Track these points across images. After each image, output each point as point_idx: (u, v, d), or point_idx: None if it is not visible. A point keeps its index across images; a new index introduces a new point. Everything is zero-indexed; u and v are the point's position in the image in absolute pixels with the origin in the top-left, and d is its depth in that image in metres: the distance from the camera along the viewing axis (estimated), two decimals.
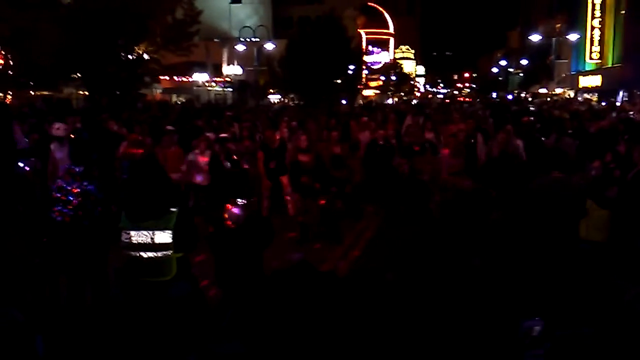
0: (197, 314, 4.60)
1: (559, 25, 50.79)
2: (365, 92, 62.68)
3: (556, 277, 5.57)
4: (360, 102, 46.34)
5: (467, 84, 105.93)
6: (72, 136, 6.55)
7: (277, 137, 11.14)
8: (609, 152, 8.56)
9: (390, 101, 55.36)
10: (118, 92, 25.04)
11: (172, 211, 4.32)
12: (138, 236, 4.27)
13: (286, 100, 43.13)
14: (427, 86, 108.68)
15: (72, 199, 5.40)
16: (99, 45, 23.03)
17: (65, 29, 22.30)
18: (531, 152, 9.71)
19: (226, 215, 5.12)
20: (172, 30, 26.62)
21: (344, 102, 37.57)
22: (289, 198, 10.29)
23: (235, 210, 5.06)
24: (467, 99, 65.45)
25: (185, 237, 4.35)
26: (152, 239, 4.25)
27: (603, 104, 29.35)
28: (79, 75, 25.38)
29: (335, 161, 9.96)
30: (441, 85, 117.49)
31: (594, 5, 44.57)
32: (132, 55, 25.56)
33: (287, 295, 4.53)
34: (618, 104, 27.98)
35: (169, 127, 11.63)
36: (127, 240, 4.32)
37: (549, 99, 41.46)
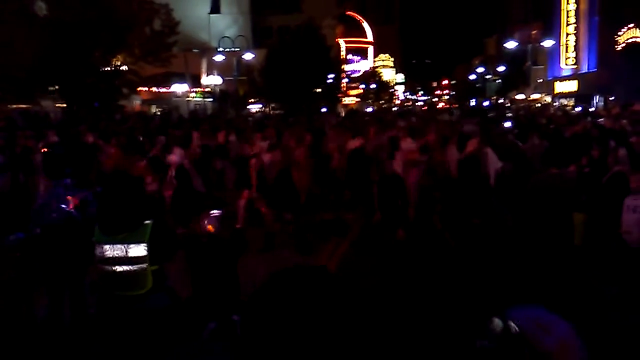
0: (175, 326, 4.52)
1: (534, 32, 51.50)
2: (345, 101, 62.92)
3: (548, 275, 5.70)
4: (341, 110, 46.44)
5: (446, 91, 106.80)
6: (45, 150, 6.47)
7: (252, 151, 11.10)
8: (584, 156, 8.69)
9: (370, 109, 55.60)
10: (96, 104, 24.82)
11: (147, 223, 4.25)
12: (112, 250, 4.19)
13: (266, 110, 43.11)
14: (407, 94, 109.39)
15: (55, 215, 5.34)
16: (76, 57, 22.83)
17: (42, 41, 22.07)
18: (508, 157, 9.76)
19: (202, 226, 5.11)
20: (150, 41, 26.52)
21: (324, 109, 37.67)
22: (264, 210, 10.26)
23: (211, 220, 5.06)
24: (446, 105, 65.99)
25: (160, 249, 4.28)
26: (126, 252, 4.17)
27: (578, 109, 29.75)
28: (57, 87, 25.13)
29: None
30: (421, 92, 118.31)
31: (568, 12, 45.36)
32: (109, 67, 25.38)
33: (284, 298, 4.52)
34: (593, 109, 28.40)
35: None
36: (100, 254, 4.24)
37: (522, 105, 41.97)
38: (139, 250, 4.18)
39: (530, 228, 6.34)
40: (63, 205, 5.33)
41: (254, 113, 40.47)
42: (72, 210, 5.34)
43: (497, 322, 1.20)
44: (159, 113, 33.91)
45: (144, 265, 4.20)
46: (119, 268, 4.19)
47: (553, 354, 1.15)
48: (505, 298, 5.40)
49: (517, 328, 1.17)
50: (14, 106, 24.67)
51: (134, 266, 4.19)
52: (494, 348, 1.17)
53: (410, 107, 64.35)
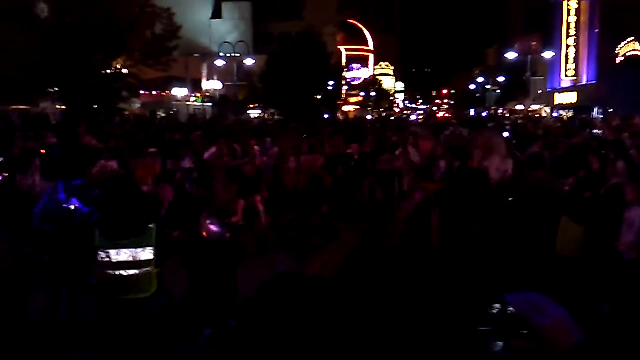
0: (172, 329, 4.52)
1: (534, 43, 51.75)
2: (345, 108, 63.06)
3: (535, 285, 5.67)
4: (340, 117, 46.58)
5: (445, 100, 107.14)
6: (43, 151, 6.41)
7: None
8: (583, 168, 8.67)
9: (369, 117, 55.75)
10: (95, 106, 24.85)
11: (151, 227, 4.22)
12: (118, 255, 4.13)
13: (266, 115, 43.19)
14: (407, 102, 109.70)
15: (60, 211, 5.31)
16: (77, 59, 22.87)
17: (43, 43, 22.11)
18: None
19: (201, 230, 5.14)
20: (151, 45, 26.57)
21: (326, 116, 37.74)
22: (261, 209, 10.29)
23: (211, 226, 5.10)
24: (446, 115, 66.17)
25: (162, 252, 4.27)
26: (134, 257, 4.13)
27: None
28: (56, 89, 25.15)
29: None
30: (420, 101, 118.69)
31: (568, 24, 45.59)
32: (110, 70, 25.43)
33: (276, 306, 4.49)
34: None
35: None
36: (106, 259, 4.16)
37: (518, 115, 42.13)
38: (146, 254, 4.16)
39: (516, 231, 6.37)
40: (72, 206, 5.30)
41: (253, 119, 40.52)
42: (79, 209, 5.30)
43: (496, 307, 1.33)
44: (158, 117, 33.91)
45: (149, 269, 4.18)
46: (124, 272, 4.14)
47: (548, 332, 1.27)
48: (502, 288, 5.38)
49: (513, 310, 1.29)
50: (13, 107, 24.66)
51: (141, 270, 4.16)
52: (493, 330, 1.28)
53: (409, 114, 64.53)
